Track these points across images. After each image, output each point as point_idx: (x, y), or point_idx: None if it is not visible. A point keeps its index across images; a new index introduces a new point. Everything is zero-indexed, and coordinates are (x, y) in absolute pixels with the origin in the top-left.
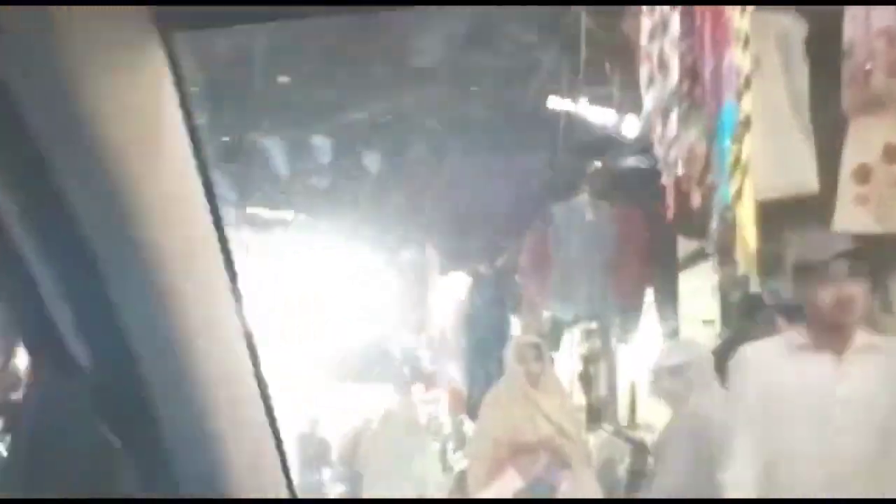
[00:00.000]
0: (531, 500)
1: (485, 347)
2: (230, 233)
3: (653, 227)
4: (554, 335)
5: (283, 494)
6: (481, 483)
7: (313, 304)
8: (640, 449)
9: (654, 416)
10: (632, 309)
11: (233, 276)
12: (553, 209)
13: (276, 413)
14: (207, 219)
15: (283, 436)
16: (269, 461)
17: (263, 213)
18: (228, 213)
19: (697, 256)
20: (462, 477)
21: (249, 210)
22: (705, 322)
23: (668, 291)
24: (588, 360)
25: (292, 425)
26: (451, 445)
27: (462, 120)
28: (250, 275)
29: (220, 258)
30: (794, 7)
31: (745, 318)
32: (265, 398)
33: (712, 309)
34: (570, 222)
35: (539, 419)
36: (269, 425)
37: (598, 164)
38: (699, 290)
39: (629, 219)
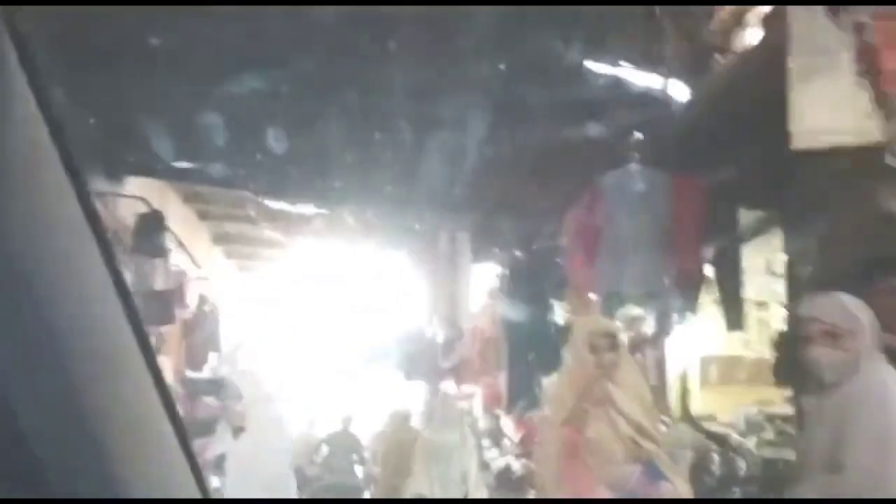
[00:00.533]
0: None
1: (524, 337)
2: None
3: (711, 196)
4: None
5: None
6: (550, 490)
7: (339, 298)
8: (722, 444)
9: (711, 406)
10: (689, 288)
11: (114, 270)
12: (601, 180)
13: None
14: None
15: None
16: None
17: (288, 208)
18: (251, 208)
19: (759, 229)
20: (505, 475)
21: (272, 204)
22: (758, 304)
23: (730, 268)
24: (634, 346)
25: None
26: (486, 442)
27: (487, 87)
28: (273, 270)
29: (96, 253)
30: None
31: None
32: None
33: (766, 289)
34: (619, 194)
35: (617, 418)
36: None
37: (645, 130)
38: (751, 268)
39: (684, 188)
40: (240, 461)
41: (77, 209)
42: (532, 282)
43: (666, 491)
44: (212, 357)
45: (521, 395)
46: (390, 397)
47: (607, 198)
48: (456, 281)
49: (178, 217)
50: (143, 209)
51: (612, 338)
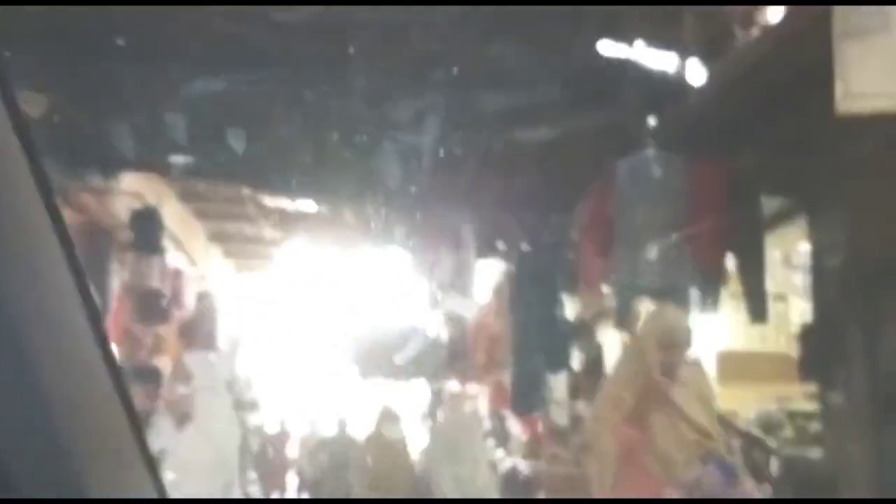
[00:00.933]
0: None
1: (532, 334)
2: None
3: (732, 182)
4: (621, 312)
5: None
6: (605, 492)
7: (341, 297)
8: (750, 442)
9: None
10: (711, 280)
11: (76, 270)
12: (614, 167)
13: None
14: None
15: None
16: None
17: (287, 205)
18: (249, 205)
19: (781, 216)
20: (512, 476)
21: (270, 201)
22: (776, 297)
23: (753, 257)
24: None
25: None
26: (492, 442)
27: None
28: (271, 270)
29: (58, 253)
30: None
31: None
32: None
33: (784, 282)
34: (634, 181)
35: (680, 418)
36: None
37: (662, 114)
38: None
39: (704, 174)
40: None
41: (40, 210)
42: (540, 276)
43: (746, 490)
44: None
45: (529, 394)
46: (388, 398)
47: (621, 186)
48: (460, 276)
49: (175, 215)
50: (138, 205)
51: (686, 333)
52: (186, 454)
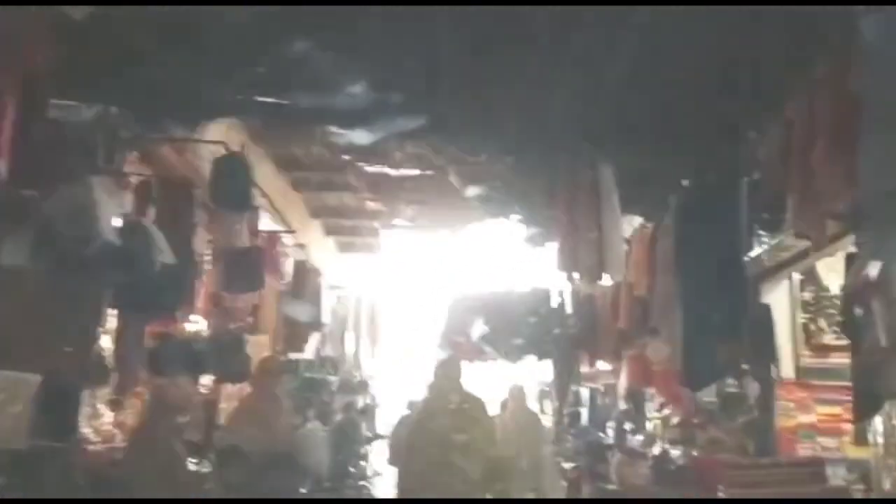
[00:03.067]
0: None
1: (703, 293)
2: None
3: None
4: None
5: None
6: None
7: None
8: None
9: None
10: None
11: None
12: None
13: None
14: None
15: None
16: None
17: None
18: (350, 174)
19: None
20: (661, 464)
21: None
22: None
23: None
24: None
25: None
26: (627, 427)
27: None
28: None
29: None
30: None
31: None
32: None
33: None
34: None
35: None
36: None
37: None
38: None
39: None
40: None
41: None
42: (716, 213)
43: None
44: (314, 338)
45: (702, 365)
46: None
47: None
48: (600, 225)
49: (272, 186)
50: (223, 153)
51: None
52: None
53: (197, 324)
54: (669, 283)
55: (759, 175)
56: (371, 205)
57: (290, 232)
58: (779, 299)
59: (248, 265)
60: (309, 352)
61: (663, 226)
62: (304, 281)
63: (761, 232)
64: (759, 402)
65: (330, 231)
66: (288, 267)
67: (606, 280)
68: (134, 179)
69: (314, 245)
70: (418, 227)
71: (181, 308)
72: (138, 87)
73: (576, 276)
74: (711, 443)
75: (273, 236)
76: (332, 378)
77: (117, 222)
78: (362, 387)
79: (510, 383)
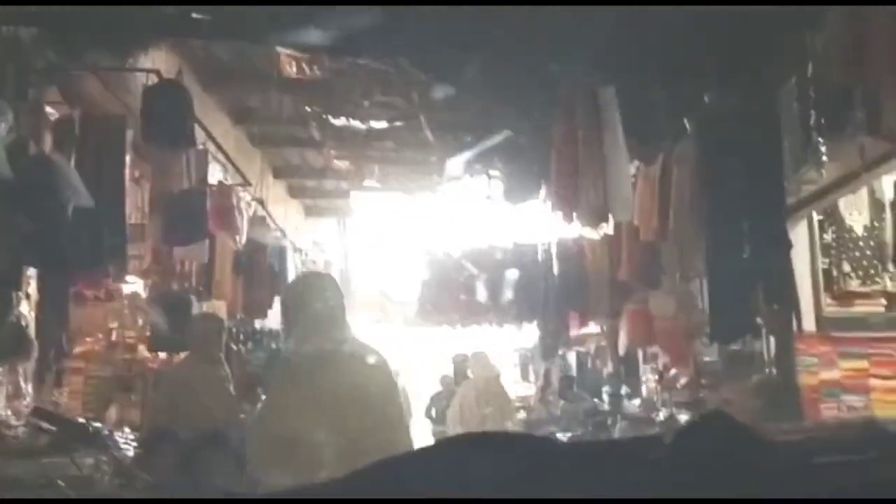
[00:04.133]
0: (526, 499)
1: (730, 236)
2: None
3: None
4: None
5: None
6: None
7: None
8: None
9: None
10: None
11: None
12: None
13: None
14: None
15: None
16: None
17: (357, 125)
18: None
19: None
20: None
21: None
22: None
23: None
24: None
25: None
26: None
27: None
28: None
29: None
30: None
31: None
32: None
33: None
34: None
35: None
36: None
37: None
38: None
39: None
40: None
41: None
42: (751, 130)
43: None
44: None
45: (733, 317)
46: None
47: None
48: (603, 158)
49: (228, 142)
50: (155, 81)
51: None
52: None
53: (134, 285)
54: (687, 222)
55: (816, 75)
56: (338, 164)
57: (247, 184)
58: (797, 242)
59: (187, 212)
60: (274, 320)
61: (678, 154)
62: (262, 241)
63: (820, 140)
64: (777, 359)
65: (295, 193)
66: (244, 225)
67: (608, 225)
68: (53, 116)
69: (277, 207)
70: (389, 189)
71: (113, 266)
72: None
73: (575, 218)
74: (724, 406)
75: (225, 188)
76: None
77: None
78: None
79: (473, 350)
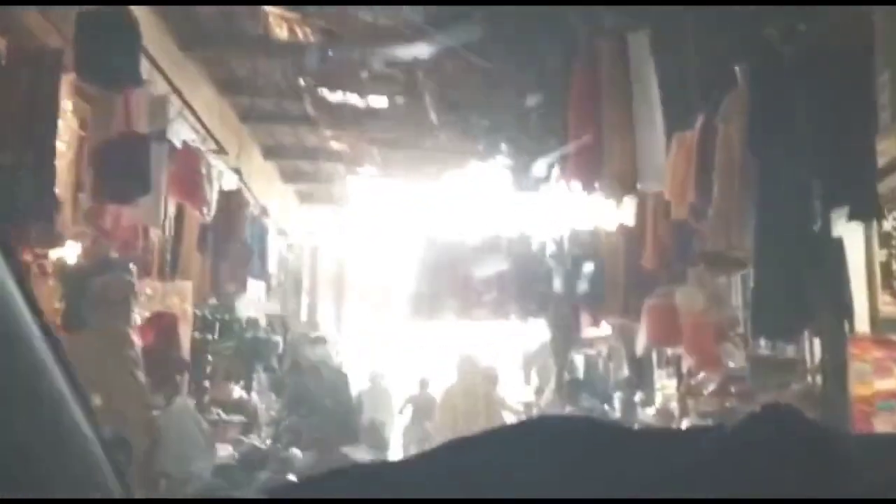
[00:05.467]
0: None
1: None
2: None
3: None
4: None
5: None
6: None
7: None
8: None
9: None
10: None
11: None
12: None
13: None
14: None
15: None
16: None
17: (354, 100)
18: (308, 102)
19: None
20: None
21: (333, 97)
22: None
23: None
24: None
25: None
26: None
27: None
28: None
29: None
30: None
31: None
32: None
33: None
34: None
35: None
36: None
37: None
38: None
39: None
40: None
41: None
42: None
43: None
44: (255, 286)
45: (788, 309)
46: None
47: None
48: (631, 121)
49: (212, 115)
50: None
51: None
52: None
53: (65, 249)
54: (735, 195)
55: None
56: (335, 145)
57: (222, 152)
58: (851, 230)
59: (126, 160)
60: (251, 307)
61: (726, 109)
62: (237, 216)
63: None
64: (823, 365)
65: (289, 177)
66: (213, 196)
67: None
68: None
69: (269, 190)
70: (388, 175)
71: (37, 226)
72: None
73: (597, 187)
74: None
75: (191, 151)
76: (277, 338)
77: None
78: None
79: (460, 354)
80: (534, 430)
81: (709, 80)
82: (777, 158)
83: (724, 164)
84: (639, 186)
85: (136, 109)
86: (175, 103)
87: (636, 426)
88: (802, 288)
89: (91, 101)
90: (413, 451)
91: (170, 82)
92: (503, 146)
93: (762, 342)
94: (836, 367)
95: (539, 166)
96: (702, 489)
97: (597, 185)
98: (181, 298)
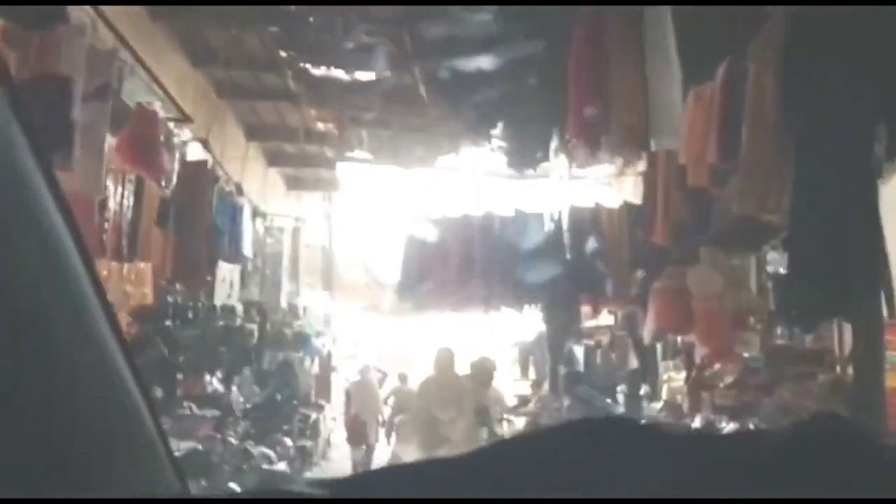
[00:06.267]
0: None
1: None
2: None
3: None
4: None
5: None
6: None
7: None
8: None
9: None
10: None
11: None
12: None
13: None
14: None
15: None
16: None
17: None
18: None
19: None
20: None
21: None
22: None
23: None
24: None
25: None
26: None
27: None
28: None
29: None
30: None
31: None
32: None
33: None
34: None
35: None
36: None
37: None
38: None
39: None
40: None
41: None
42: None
43: None
44: (228, 270)
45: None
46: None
47: None
48: (643, 72)
49: (186, 88)
50: None
51: None
52: None
53: None
54: (768, 148)
55: None
56: (320, 126)
57: (185, 119)
58: (888, 206)
59: (44, 107)
60: (223, 293)
61: (754, 52)
62: (203, 189)
63: None
64: (854, 354)
65: (273, 160)
66: (173, 165)
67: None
68: None
69: (252, 174)
70: (377, 160)
71: None
72: None
73: (603, 145)
74: (783, 412)
75: (146, 112)
76: (251, 327)
77: None
78: (299, 341)
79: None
80: (578, 431)
81: (731, 24)
82: (822, 104)
83: (755, 112)
84: (651, 143)
85: (53, 48)
86: (127, 60)
87: (666, 427)
88: (847, 263)
89: (13, 42)
90: (394, 441)
91: (130, 48)
92: (499, 124)
93: (778, 330)
94: (871, 356)
95: (536, 144)
96: (756, 493)
97: (602, 141)
98: (140, 282)
